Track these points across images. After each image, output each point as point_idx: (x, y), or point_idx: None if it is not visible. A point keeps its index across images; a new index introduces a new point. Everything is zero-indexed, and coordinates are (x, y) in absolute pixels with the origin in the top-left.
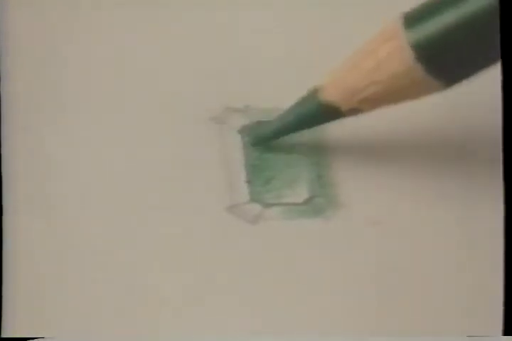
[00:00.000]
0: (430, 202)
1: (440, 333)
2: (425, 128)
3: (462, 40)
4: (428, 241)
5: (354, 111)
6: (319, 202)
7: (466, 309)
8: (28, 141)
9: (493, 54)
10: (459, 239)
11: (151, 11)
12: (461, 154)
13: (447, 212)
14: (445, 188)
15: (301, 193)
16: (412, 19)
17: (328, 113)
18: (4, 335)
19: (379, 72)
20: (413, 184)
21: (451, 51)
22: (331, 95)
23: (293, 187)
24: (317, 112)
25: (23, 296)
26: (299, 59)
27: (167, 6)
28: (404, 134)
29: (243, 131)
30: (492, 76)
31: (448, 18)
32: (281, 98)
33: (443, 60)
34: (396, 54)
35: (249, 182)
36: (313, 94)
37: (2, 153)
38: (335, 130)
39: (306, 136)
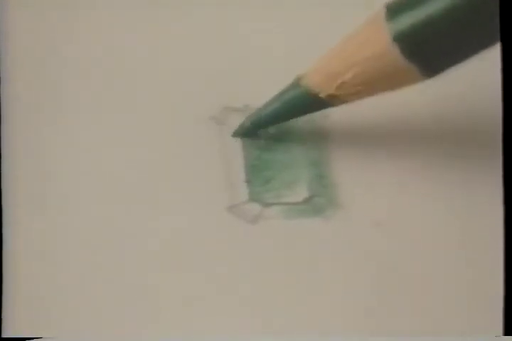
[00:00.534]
0: (430, 202)
1: (440, 333)
2: (425, 128)
3: (441, 27)
4: (428, 241)
5: (335, 98)
6: (319, 202)
7: (466, 309)
8: (28, 141)
9: (473, 44)
10: (459, 239)
11: (151, 11)
12: (462, 154)
13: (447, 212)
14: (445, 188)
15: (300, 193)
16: (394, 7)
17: (309, 99)
18: (4, 335)
19: (357, 55)
20: (413, 184)
21: (429, 37)
22: (312, 81)
23: (292, 186)
24: (298, 99)
25: (23, 296)
26: (299, 59)
27: (167, 6)
28: (404, 134)
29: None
30: (492, 68)
31: (429, 6)
32: None
33: (420, 44)
34: (374, 36)
35: (248, 182)
36: (297, 80)
37: (2, 153)
38: (335, 130)
39: (305, 135)
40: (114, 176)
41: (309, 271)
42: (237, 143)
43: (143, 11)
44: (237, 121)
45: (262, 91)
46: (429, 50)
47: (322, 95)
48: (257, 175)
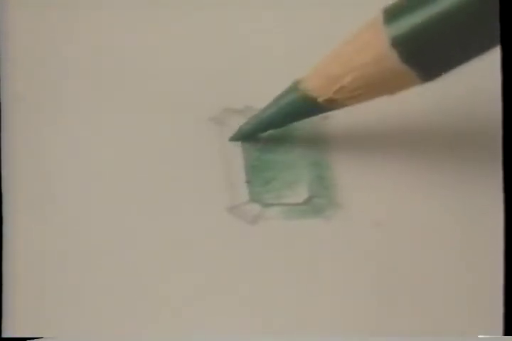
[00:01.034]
0: (430, 202)
1: (440, 333)
2: (425, 128)
3: (439, 31)
4: (428, 241)
5: (333, 103)
6: (319, 202)
7: (466, 309)
8: (28, 141)
9: (471, 48)
10: (459, 239)
11: (151, 11)
12: (463, 155)
13: (447, 211)
14: (446, 189)
15: (300, 193)
16: (392, 10)
17: (307, 104)
18: (4, 335)
19: (355, 60)
20: (413, 184)
21: (427, 41)
22: (310, 85)
23: (293, 187)
24: (297, 103)
25: (23, 296)
26: (299, 59)
27: (167, 6)
28: (404, 135)
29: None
30: (491, 68)
31: (426, 11)
32: None
33: (418, 48)
34: (372, 41)
35: (249, 182)
36: (295, 85)
37: (2, 153)
38: (335, 130)
39: (305, 136)
40: (114, 176)
41: (309, 271)
42: (237, 144)
43: (143, 11)
44: (237, 121)
45: (262, 92)
46: (427, 55)
47: (320, 99)
48: (257, 176)
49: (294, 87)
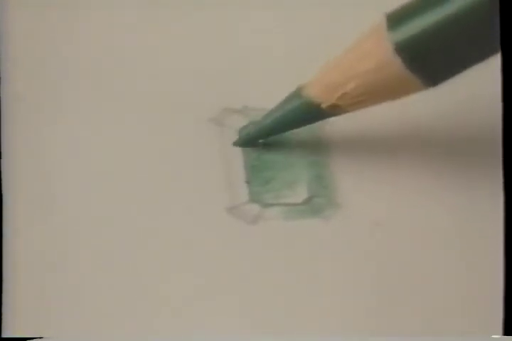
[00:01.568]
0: (430, 202)
1: (440, 333)
2: (426, 127)
3: (443, 38)
4: (428, 241)
5: (336, 109)
6: (318, 202)
7: (466, 309)
8: (28, 141)
9: (475, 53)
10: (458, 239)
11: (151, 11)
12: (462, 154)
13: (447, 211)
14: (445, 188)
15: (300, 193)
16: (395, 17)
17: (311, 110)
18: (4, 335)
19: (359, 66)
20: (413, 184)
21: (431, 47)
22: (314, 91)
23: (292, 187)
24: (300, 109)
25: (23, 296)
26: (299, 59)
27: (167, 6)
28: (404, 134)
29: (242, 131)
30: (492, 72)
31: (430, 16)
32: (280, 99)
33: (422, 55)
34: (376, 48)
35: (248, 182)
36: (298, 91)
37: (2, 153)
38: (334, 130)
39: (305, 136)
40: (113, 176)
41: (309, 271)
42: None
43: (143, 11)
44: (236, 122)
45: (261, 92)
46: (430, 60)
47: (323, 105)
48: (256, 176)
49: (297, 93)
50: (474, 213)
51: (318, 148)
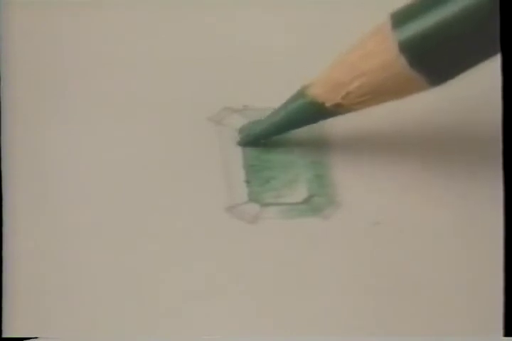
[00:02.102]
0: (430, 201)
1: (440, 333)
2: (426, 126)
3: (448, 36)
4: (427, 240)
5: (340, 108)
6: (318, 202)
7: (466, 309)
8: (28, 140)
9: (480, 52)
10: (459, 238)
11: (151, 11)
12: (462, 154)
13: (447, 211)
14: (445, 187)
15: (299, 193)
16: (399, 16)
17: (315, 109)
18: (4, 335)
19: (363, 65)
20: (413, 183)
21: (435, 46)
22: (318, 90)
23: (292, 186)
24: (304, 108)
25: (23, 296)
26: (299, 59)
27: (167, 6)
28: (404, 133)
29: (242, 131)
30: (492, 72)
31: (434, 16)
32: (279, 98)
33: (426, 54)
34: (380, 47)
35: (247, 182)
36: (302, 90)
37: (2, 153)
38: (334, 130)
39: (304, 135)
40: (113, 176)
41: (309, 270)
42: (236, 144)
43: (143, 11)
44: (236, 121)
45: (261, 92)
46: (435, 59)
47: (328, 105)
48: (256, 175)
49: (302, 93)
50: (474, 213)
51: (317, 147)
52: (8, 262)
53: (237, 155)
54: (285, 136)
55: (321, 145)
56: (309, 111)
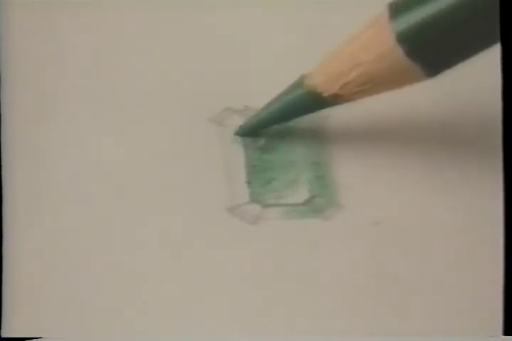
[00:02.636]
0: (431, 201)
1: (440, 333)
2: (425, 128)
3: (445, 27)
4: (428, 240)
5: (338, 98)
6: (319, 203)
7: (466, 309)
8: (28, 141)
9: (476, 43)
10: (459, 238)
11: (151, 11)
12: (462, 153)
13: (447, 211)
14: (446, 188)
15: (301, 193)
16: (396, 6)
17: (312, 99)
18: (4, 335)
19: (361, 56)
20: (414, 183)
21: (432, 37)
22: (316, 80)
23: (293, 187)
24: (302, 99)
25: (23, 296)
26: (299, 59)
27: (167, 6)
28: (404, 134)
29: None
30: (492, 67)
31: (431, 7)
32: None
33: (424, 44)
34: (378, 37)
35: (249, 182)
36: (300, 80)
37: (2, 153)
38: (335, 130)
39: (306, 136)
40: (113, 176)
41: (309, 271)
42: (237, 144)
43: (143, 11)
44: (237, 121)
45: (262, 92)
46: (432, 50)
47: (325, 95)
48: (257, 176)
49: (299, 83)
50: (475, 213)
51: (319, 148)
52: (8, 262)
53: (238, 155)
54: (286, 135)
55: (322, 147)
56: (307, 101)
